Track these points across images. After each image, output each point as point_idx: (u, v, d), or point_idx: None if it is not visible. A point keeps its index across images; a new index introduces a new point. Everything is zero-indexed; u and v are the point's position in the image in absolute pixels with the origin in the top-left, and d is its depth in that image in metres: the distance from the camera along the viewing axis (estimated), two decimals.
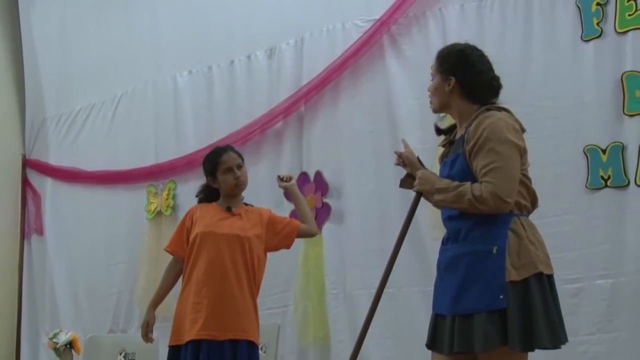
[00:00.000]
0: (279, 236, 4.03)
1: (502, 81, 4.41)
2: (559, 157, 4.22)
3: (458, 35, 4.62)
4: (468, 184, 2.80)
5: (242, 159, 4.04)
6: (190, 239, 3.93)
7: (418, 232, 4.55)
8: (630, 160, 4.05)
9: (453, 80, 2.97)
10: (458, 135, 2.99)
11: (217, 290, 3.81)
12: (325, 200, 5.03)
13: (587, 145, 4.16)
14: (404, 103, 4.80)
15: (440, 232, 4.47)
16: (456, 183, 2.85)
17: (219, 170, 3.96)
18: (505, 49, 4.47)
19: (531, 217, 4.34)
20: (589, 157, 4.15)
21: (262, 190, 5.24)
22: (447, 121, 3.22)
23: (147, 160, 5.97)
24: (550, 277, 2.85)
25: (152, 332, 4.02)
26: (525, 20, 4.46)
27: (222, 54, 5.69)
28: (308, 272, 5.02)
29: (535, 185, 4.31)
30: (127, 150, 6.12)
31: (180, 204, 5.64)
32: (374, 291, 3.26)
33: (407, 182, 3.14)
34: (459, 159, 2.91)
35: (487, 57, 3.04)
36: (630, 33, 4.11)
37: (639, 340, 3.94)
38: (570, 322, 4.05)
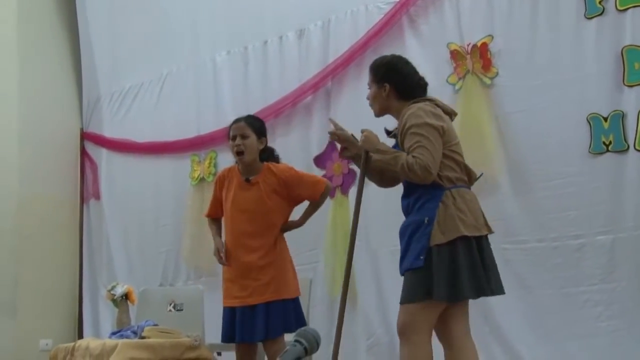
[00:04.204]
0: (300, 190, 3.84)
1: (512, 56, 4.41)
2: (564, 125, 4.17)
3: (470, 14, 4.57)
4: (404, 153, 3.02)
5: (257, 129, 3.84)
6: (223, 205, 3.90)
7: None
8: (629, 126, 3.98)
9: (387, 86, 3.19)
10: None
11: (244, 262, 3.77)
12: (351, 166, 5.00)
13: (590, 114, 4.09)
14: None
15: None
16: (395, 149, 3.10)
17: (229, 137, 3.87)
18: (514, 26, 4.40)
19: (538, 179, 4.35)
20: (591, 125, 4.08)
21: (292, 159, 5.21)
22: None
23: (190, 132, 5.96)
24: (479, 239, 3.04)
25: (223, 254, 3.86)
26: (533, 0, 4.37)
27: (256, 35, 5.64)
28: (336, 231, 5.02)
29: (542, 150, 4.31)
30: (172, 123, 6.11)
31: None
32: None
33: (343, 152, 3.38)
34: (396, 148, 3.15)
35: (411, 63, 3.29)
36: (629, 10, 4.02)
37: (636, 290, 3.92)
38: (574, 274, 4.08)
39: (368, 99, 3.28)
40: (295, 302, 3.84)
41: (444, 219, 2.98)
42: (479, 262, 2.99)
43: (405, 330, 3.03)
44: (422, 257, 2.96)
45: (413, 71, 3.25)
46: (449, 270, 2.94)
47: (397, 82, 3.19)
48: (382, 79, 3.21)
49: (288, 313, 3.77)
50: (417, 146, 2.98)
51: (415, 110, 3.06)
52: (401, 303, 3.05)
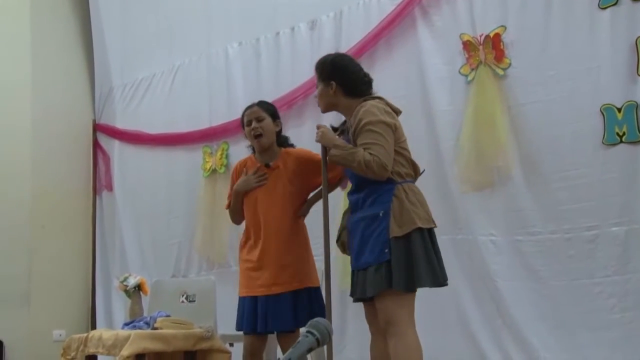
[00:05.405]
0: (317, 173, 3.67)
1: (525, 47, 4.38)
2: (577, 116, 4.14)
3: (483, 5, 4.54)
4: (361, 149, 3.10)
5: (271, 112, 3.84)
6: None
7: (448, 186, 4.52)
8: None
9: (334, 83, 3.29)
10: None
11: (265, 250, 3.73)
12: None
13: (603, 105, 4.06)
14: (433, 69, 4.72)
15: (468, 186, 4.48)
16: (352, 146, 3.17)
17: (244, 124, 3.86)
18: (527, 17, 4.37)
19: (551, 170, 4.34)
20: (605, 116, 4.06)
21: None
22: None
23: (202, 123, 5.97)
24: (430, 230, 3.15)
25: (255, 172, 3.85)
26: None
27: (268, 26, 5.64)
28: None
29: (555, 142, 4.29)
30: (184, 115, 6.13)
31: (233, 163, 5.62)
32: None
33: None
34: (349, 144, 3.22)
35: (355, 60, 3.42)
36: None
37: None
38: (587, 266, 4.07)
39: (315, 96, 3.41)
40: (317, 292, 3.82)
41: (400, 212, 3.08)
42: (433, 252, 3.12)
43: (388, 326, 3.09)
44: (386, 251, 3.05)
45: (358, 68, 3.35)
46: (406, 261, 3.04)
47: (343, 79, 3.28)
48: (328, 76, 3.31)
49: (312, 302, 3.73)
50: (373, 143, 3.08)
51: (369, 107, 3.15)
52: (369, 295, 3.14)
